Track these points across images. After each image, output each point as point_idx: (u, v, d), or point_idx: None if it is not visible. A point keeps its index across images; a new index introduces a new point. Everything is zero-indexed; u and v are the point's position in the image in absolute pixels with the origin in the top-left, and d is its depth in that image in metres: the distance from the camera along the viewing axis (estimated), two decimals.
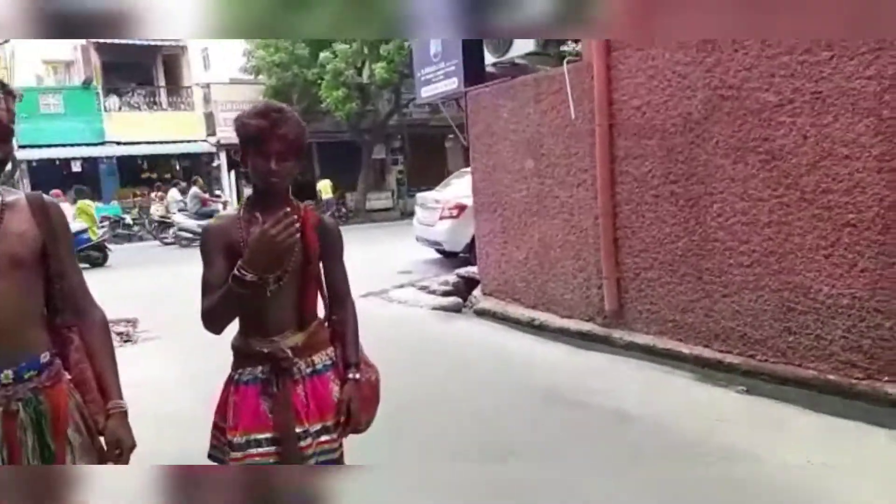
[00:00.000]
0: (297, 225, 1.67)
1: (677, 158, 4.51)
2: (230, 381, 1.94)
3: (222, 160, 20.49)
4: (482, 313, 6.57)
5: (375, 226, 18.56)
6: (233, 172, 20.33)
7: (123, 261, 13.11)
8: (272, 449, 1.87)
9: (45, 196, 1.69)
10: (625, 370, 4.66)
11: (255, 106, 1.84)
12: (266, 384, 1.89)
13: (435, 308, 7.02)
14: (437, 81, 8.12)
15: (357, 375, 2.00)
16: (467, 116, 6.83)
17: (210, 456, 1.97)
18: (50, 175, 18.72)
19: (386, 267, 9.57)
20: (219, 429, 1.94)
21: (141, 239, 17.73)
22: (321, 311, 2.08)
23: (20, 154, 16.28)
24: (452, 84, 7.77)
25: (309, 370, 1.93)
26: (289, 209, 1.70)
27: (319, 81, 18.33)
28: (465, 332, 6.21)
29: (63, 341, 1.71)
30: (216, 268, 1.80)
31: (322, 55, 17.81)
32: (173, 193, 17.06)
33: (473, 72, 6.81)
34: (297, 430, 1.87)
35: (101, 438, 1.71)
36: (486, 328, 6.25)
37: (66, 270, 1.70)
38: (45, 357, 1.63)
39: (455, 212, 9.08)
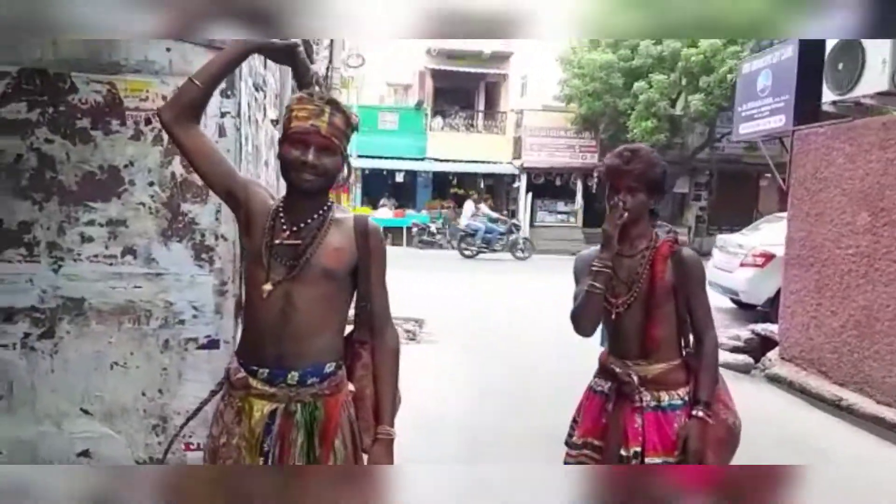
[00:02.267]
0: (625, 215, 1.90)
1: None
2: (589, 388, 2.16)
3: (523, 182, 21.38)
4: (775, 380, 5.81)
5: None
6: (530, 195, 21.11)
7: (424, 265, 14.35)
8: (598, 456, 2.04)
9: (370, 220, 1.79)
10: None
11: (617, 148, 2.04)
12: (607, 400, 2.05)
13: (720, 364, 6.36)
14: (761, 118, 7.47)
15: (700, 413, 1.95)
16: (791, 157, 6.11)
17: (566, 443, 2.19)
18: (377, 183, 21.47)
19: None
20: (575, 423, 2.18)
21: (441, 247, 19.19)
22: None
23: (357, 162, 18.79)
24: (779, 122, 7.09)
25: (653, 403, 1.98)
26: (616, 214, 1.91)
27: (630, 112, 18.12)
28: (751, 398, 5.44)
29: (353, 355, 1.80)
30: (581, 285, 2.01)
31: (637, 85, 17.61)
32: (468, 205, 18.38)
33: (806, 110, 6.09)
34: (622, 452, 1.96)
35: (364, 457, 1.76)
36: (778, 399, 5.48)
37: (372, 292, 1.77)
38: (329, 367, 1.72)
39: (760, 260, 8.18)
